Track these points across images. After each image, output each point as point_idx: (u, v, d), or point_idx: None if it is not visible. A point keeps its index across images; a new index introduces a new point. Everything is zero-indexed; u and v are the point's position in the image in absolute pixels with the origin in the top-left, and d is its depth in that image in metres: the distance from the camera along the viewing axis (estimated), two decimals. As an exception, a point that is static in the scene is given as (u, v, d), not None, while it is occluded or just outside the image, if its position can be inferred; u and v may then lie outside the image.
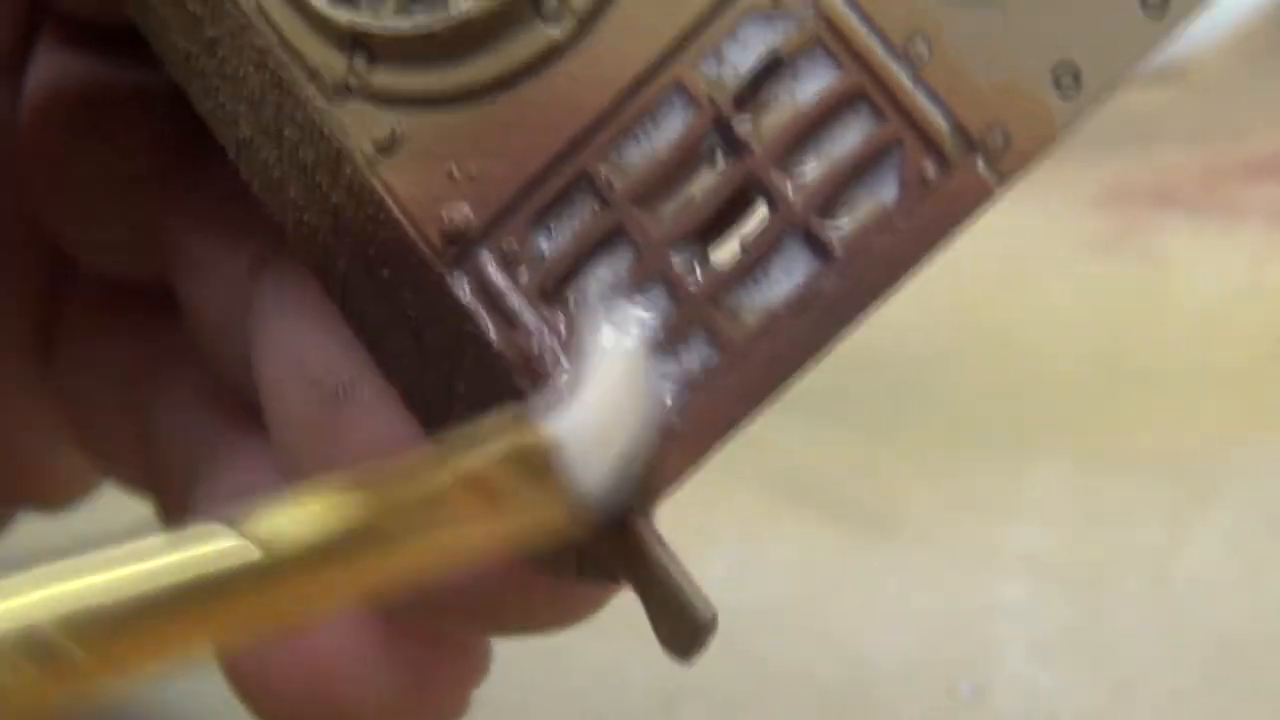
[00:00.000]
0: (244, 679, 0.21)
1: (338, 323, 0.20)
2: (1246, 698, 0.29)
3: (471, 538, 0.16)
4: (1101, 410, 0.37)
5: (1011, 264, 0.37)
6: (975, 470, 0.35)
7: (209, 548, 0.14)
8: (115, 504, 0.27)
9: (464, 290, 0.18)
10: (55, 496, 0.28)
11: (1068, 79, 0.17)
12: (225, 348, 0.22)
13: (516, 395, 0.18)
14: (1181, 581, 0.32)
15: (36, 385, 0.25)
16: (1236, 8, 0.49)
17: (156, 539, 0.15)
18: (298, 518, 0.15)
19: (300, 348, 0.20)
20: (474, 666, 0.22)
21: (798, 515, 0.34)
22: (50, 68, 0.23)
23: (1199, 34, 0.49)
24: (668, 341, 0.18)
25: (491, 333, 0.18)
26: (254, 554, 0.14)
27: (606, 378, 0.17)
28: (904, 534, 0.33)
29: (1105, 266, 0.41)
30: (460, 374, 0.19)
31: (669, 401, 0.18)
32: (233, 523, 0.15)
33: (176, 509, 0.24)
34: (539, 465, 0.16)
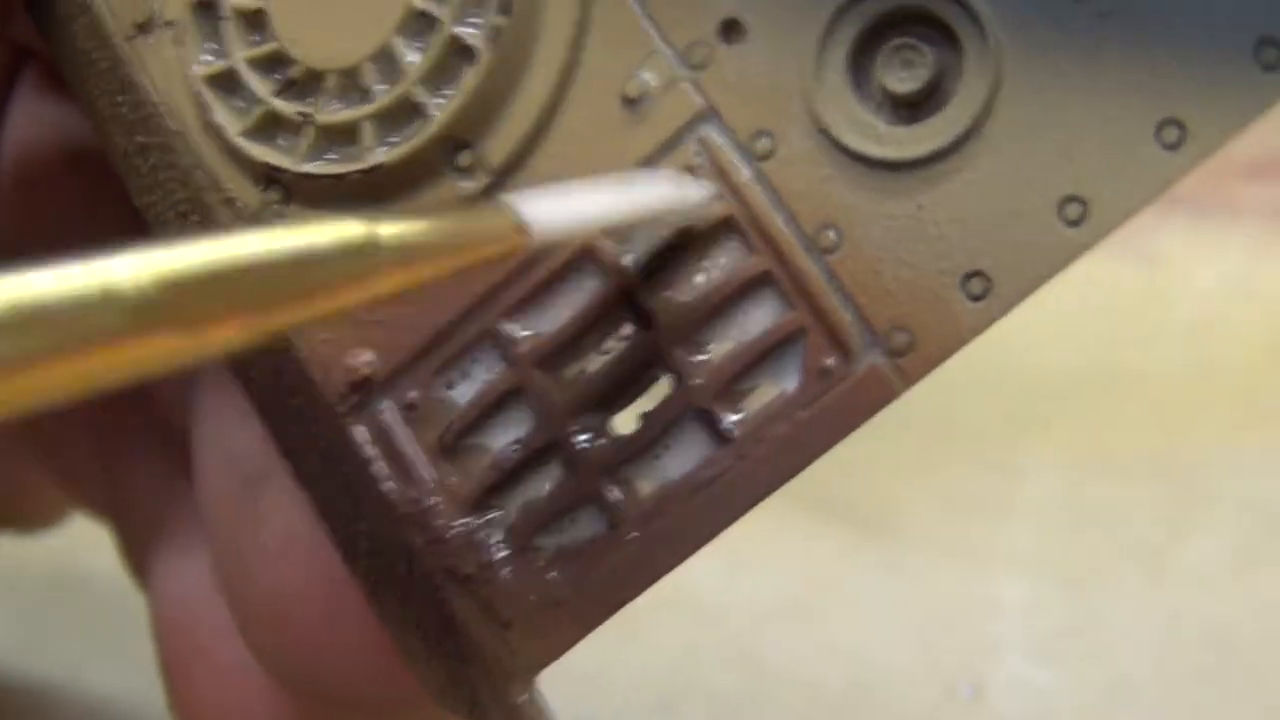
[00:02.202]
0: None
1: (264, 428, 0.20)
2: (1243, 696, 0.29)
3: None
4: (1099, 410, 0.37)
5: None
6: (974, 470, 0.35)
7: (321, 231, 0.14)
8: (89, 529, 0.27)
9: (364, 439, 0.18)
10: (29, 520, 0.28)
11: (978, 286, 0.16)
12: (174, 403, 0.23)
13: (410, 547, 0.18)
14: (1178, 581, 0.32)
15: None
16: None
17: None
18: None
19: (228, 427, 0.21)
20: None
21: (797, 515, 0.34)
22: (32, 109, 0.23)
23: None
24: (561, 509, 0.18)
25: (388, 484, 0.18)
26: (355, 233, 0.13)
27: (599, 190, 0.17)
28: (904, 534, 0.33)
29: (1104, 266, 0.41)
30: (364, 511, 0.19)
31: (558, 572, 0.18)
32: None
33: (137, 544, 0.24)
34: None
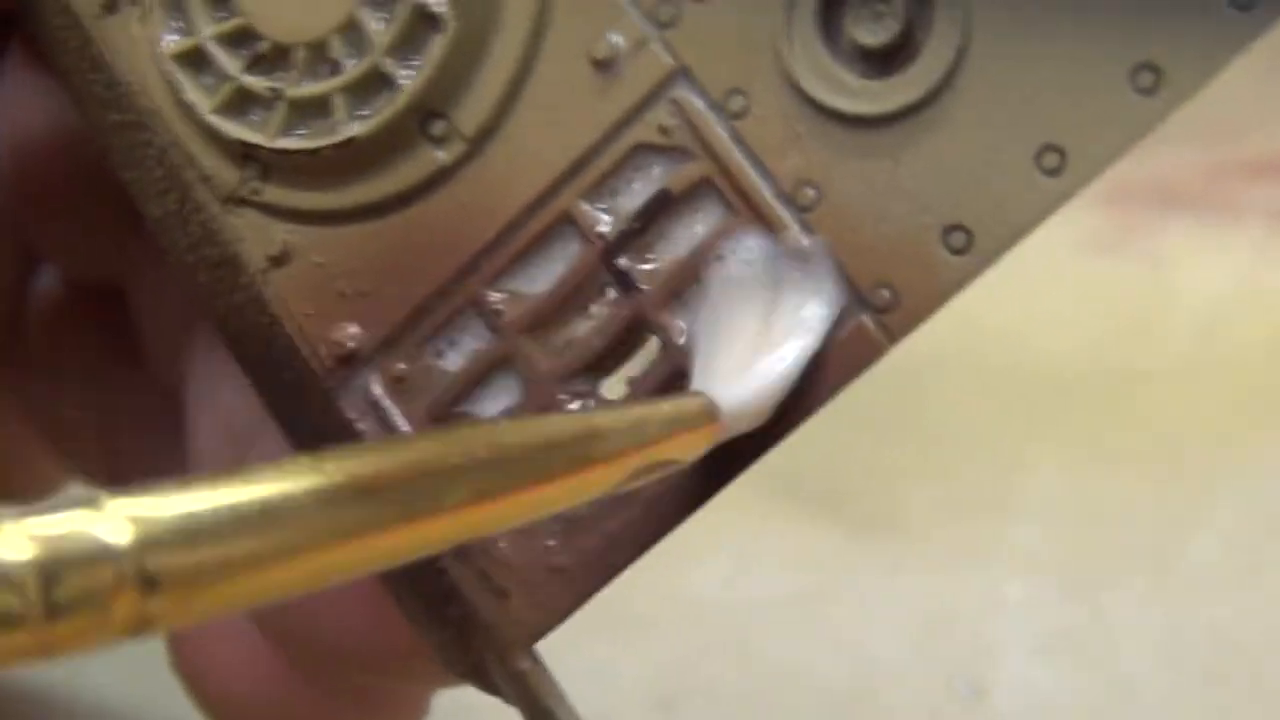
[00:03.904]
0: (200, 706, 0.22)
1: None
2: (1245, 696, 0.29)
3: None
4: (1101, 410, 0.37)
5: (1011, 264, 0.37)
6: (975, 470, 0.35)
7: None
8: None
9: (353, 412, 0.18)
10: (21, 492, 0.28)
11: (959, 239, 0.16)
12: (166, 359, 0.22)
13: None
14: (1180, 581, 0.32)
15: (2, 382, 0.25)
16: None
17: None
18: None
19: (220, 386, 0.21)
20: (414, 704, 0.22)
21: (798, 515, 0.34)
22: (27, 77, 0.23)
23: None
24: None
25: None
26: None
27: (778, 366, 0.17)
28: (904, 534, 0.33)
29: (1105, 266, 0.41)
30: None
31: (555, 541, 0.18)
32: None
33: None
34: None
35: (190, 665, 0.22)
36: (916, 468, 0.35)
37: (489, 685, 0.19)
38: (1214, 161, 0.44)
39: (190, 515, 0.11)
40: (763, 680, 0.30)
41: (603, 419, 0.15)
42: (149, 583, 0.11)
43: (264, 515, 0.12)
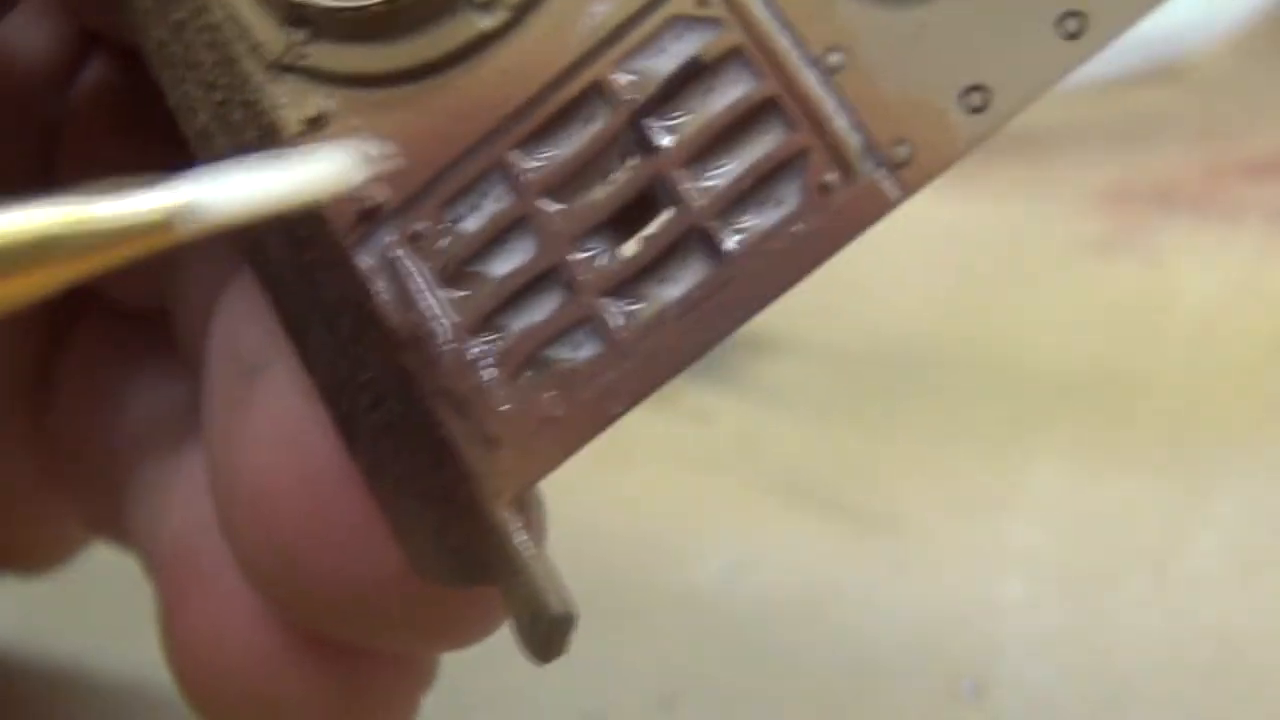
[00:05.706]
0: (188, 690, 0.22)
1: (273, 315, 0.20)
2: (1246, 697, 0.29)
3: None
4: (1101, 409, 0.37)
5: (1011, 264, 0.37)
6: (975, 470, 0.35)
7: None
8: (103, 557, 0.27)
9: (369, 263, 0.19)
10: (38, 560, 0.28)
11: (977, 98, 0.17)
12: (193, 340, 0.23)
13: (407, 377, 0.18)
14: (1181, 580, 0.32)
15: (32, 439, 0.25)
16: (1236, 7, 0.49)
17: None
18: None
19: (234, 329, 0.21)
20: (412, 678, 0.22)
21: (798, 515, 0.34)
22: (96, 85, 0.23)
23: (1199, 33, 0.49)
24: (559, 331, 0.18)
25: (389, 309, 0.18)
26: None
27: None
28: (904, 533, 0.33)
29: (1105, 266, 0.41)
30: (366, 360, 0.19)
31: (551, 391, 0.18)
32: None
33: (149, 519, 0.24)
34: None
35: (181, 634, 0.22)
36: (920, 466, 0.35)
37: (475, 570, 0.19)
38: (1214, 161, 0.44)
39: None
40: (763, 679, 0.30)
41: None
42: None
43: None
